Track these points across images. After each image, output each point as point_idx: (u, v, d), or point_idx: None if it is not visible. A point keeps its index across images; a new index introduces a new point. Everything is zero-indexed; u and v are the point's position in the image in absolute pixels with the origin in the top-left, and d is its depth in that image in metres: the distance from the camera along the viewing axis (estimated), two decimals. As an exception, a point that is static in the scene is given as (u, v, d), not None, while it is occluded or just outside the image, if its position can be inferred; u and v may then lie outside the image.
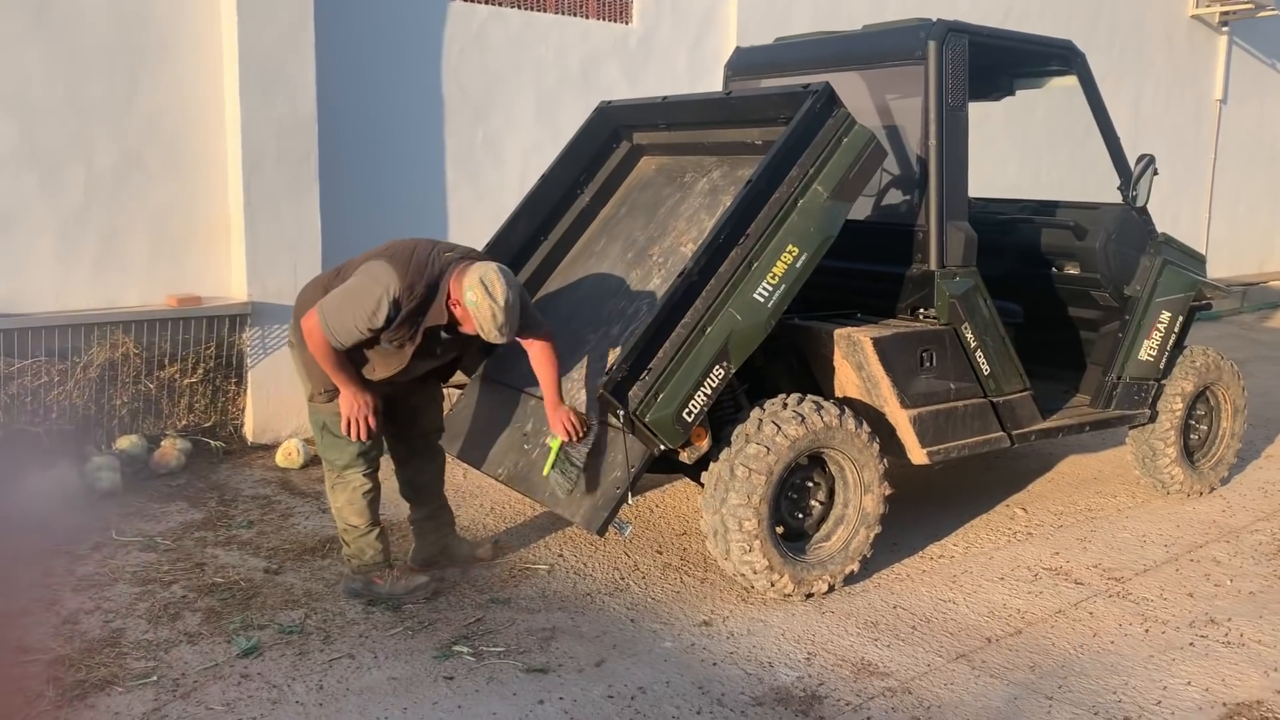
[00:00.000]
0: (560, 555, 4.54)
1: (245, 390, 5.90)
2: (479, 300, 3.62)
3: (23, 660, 3.50)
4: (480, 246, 4.88)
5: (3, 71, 5.21)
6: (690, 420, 3.81)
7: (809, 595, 4.14)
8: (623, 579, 4.32)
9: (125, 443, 5.41)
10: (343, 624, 3.84)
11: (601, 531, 3.84)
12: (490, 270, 3.66)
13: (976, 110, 4.87)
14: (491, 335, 3.69)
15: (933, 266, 4.44)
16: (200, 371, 5.72)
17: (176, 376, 5.65)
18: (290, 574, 4.26)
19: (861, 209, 4.78)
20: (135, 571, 4.23)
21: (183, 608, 3.93)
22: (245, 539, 4.60)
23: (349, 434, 3.83)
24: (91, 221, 5.53)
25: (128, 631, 3.73)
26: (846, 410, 4.17)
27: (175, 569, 4.27)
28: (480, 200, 6.89)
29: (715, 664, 3.64)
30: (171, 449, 5.49)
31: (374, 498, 3.99)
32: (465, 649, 3.67)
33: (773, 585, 4.03)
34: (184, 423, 5.72)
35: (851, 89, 4.67)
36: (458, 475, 5.52)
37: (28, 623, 3.76)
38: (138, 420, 5.58)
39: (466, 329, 3.76)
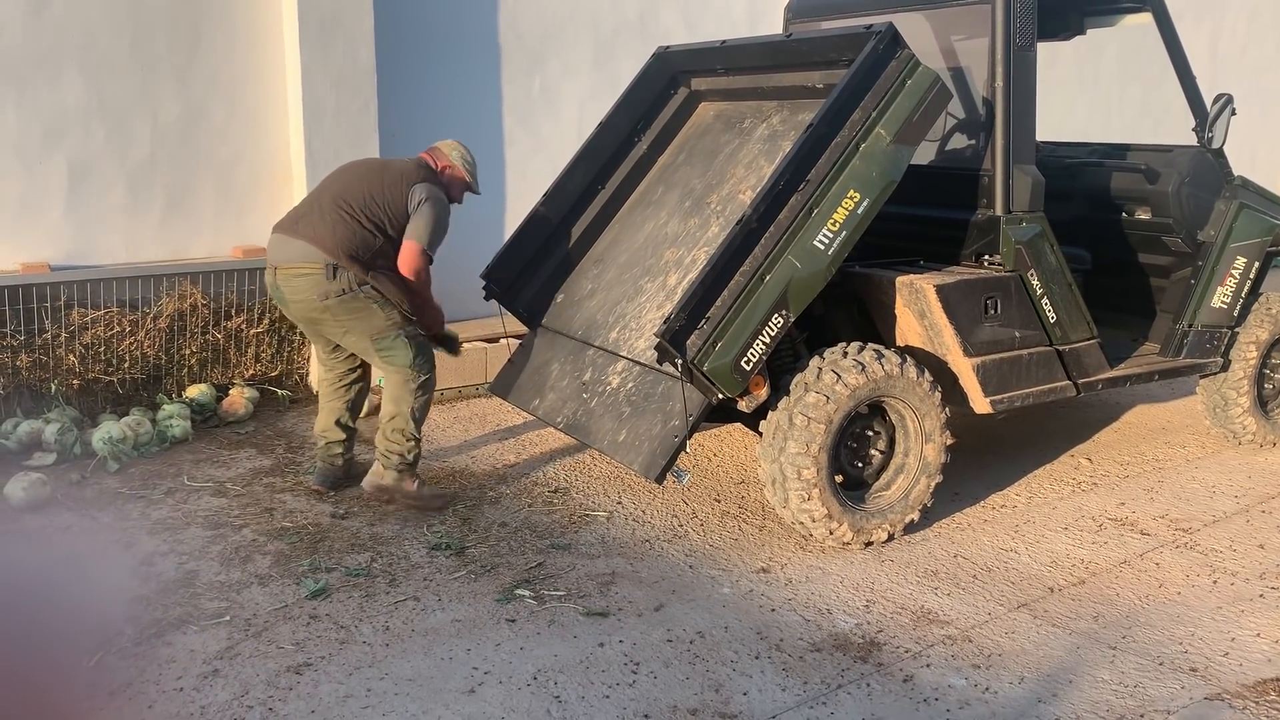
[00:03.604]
0: (619, 502, 4.58)
1: (310, 340, 6.00)
2: (466, 155, 4.53)
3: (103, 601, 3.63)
4: (538, 195, 4.91)
5: (69, 27, 5.29)
6: (749, 369, 3.79)
7: (868, 544, 4.13)
8: (681, 526, 4.35)
9: (194, 391, 5.54)
10: (407, 567, 3.92)
11: (660, 479, 3.86)
12: (449, 140, 4.60)
13: (1045, 50, 4.72)
14: (475, 180, 4.57)
15: (998, 212, 4.35)
16: (266, 322, 5.82)
17: (243, 327, 5.76)
18: (356, 519, 4.35)
19: (925, 153, 4.68)
20: (207, 516, 4.35)
21: (253, 551, 4.04)
22: (312, 484, 4.70)
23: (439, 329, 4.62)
24: (159, 174, 5.63)
25: (201, 573, 3.85)
26: (908, 359, 4.13)
27: (245, 513, 4.39)
28: (538, 149, 6.87)
29: (773, 610, 3.65)
30: (239, 398, 5.61)
31: None
32: (527, 593, 3.73)
33: (831, 533, 4.03)
34: (251, 372, 5.84)
35: (916, 30, 4.56)
36: (517, 423, 5.58)
37: (107, 563, 3.90)
38: (206, 369, 5.71)
39: (453, 194, 4.53)
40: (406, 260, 4.28)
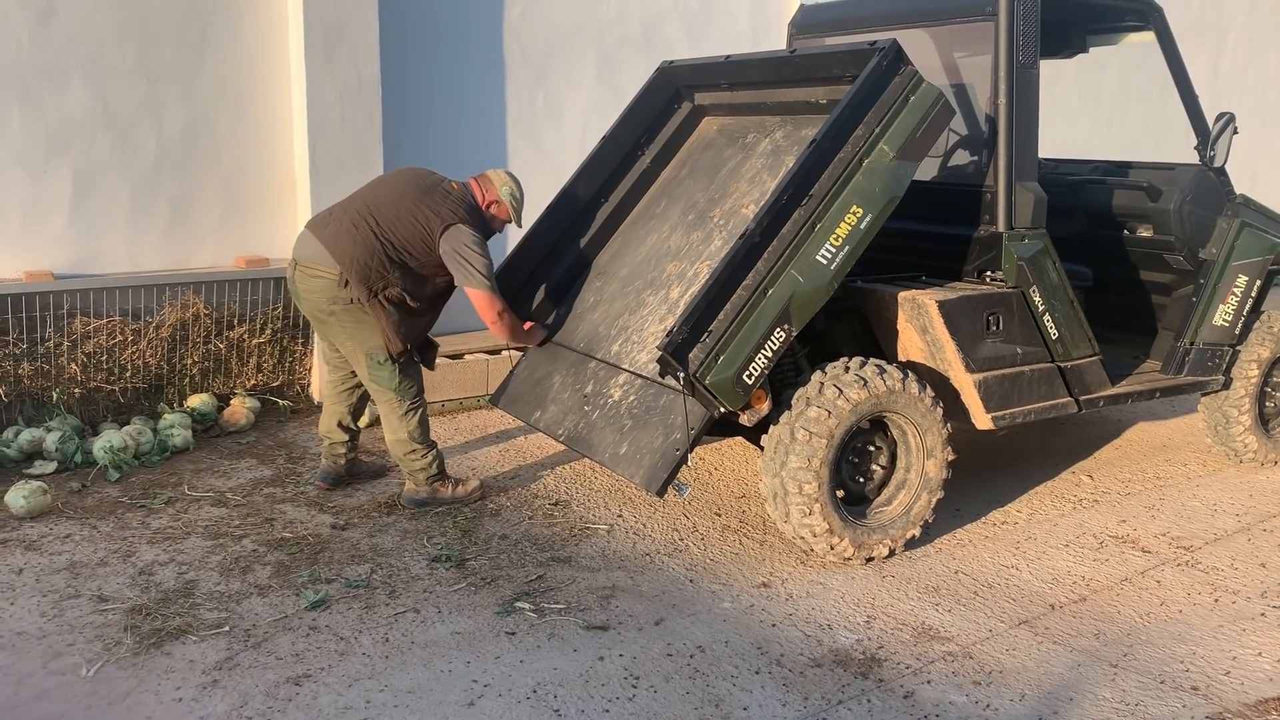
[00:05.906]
0: (620, 516, 4.57)
1: (311, 351, 6.00)
2: (514, 191, 4.52)
3: (102, 609, 3.62)
4: (541, 208, 4.92)
5: (76, 36, 5.31)
6: (751, 383, 3.79)
7: (869, 559, 4.13)
8: (682, 540, 4.34)
9: (196, 401, 5.54)
10: (407, 579, 3.92)
11: (661, 493, 3.86)
12: (502, 170, 4.57)
13: (1047, 68, 4.74)
14: (519, 219, 4.59)
15: (1000, 228, 4.36)
16: (268, 332, 5.82)
17: (245, 337, 5.76)
18: (356, 530, 4.35)
19: (928, 169, 4.69)
20: (207, 526, 4.35)
21: (253, 561, 4.03)
22: (313, 495, 4.70)
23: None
24: (162, 183, 5.64)
25: (201, 583, 3.84)
26: (910, 374, 4.13)
27: (245, 524, 4.38)
28: (541, 162, 6.89)
29: (774, 625, 3.65)
30: (241, 408, 5.61)
31: None
32: (527, 605, 3.73)
33: (832, 549, 4.02)
34: (253, 382, 5.84)
35: (919, 46, 4.58)
36: (517, 435, 5.58)
37: (106, 573, 3.89)
38: (208, 379, 5.71)
39: (495, 226, 4.56)
40: (482, 311, 4.38)
